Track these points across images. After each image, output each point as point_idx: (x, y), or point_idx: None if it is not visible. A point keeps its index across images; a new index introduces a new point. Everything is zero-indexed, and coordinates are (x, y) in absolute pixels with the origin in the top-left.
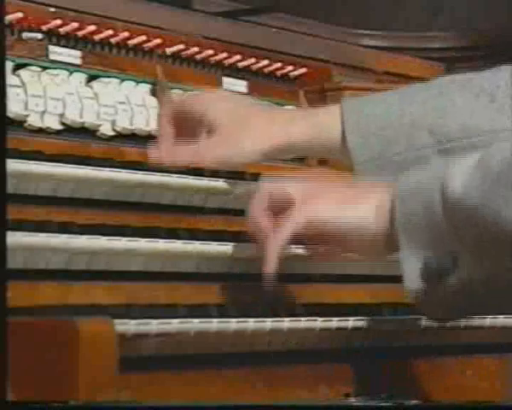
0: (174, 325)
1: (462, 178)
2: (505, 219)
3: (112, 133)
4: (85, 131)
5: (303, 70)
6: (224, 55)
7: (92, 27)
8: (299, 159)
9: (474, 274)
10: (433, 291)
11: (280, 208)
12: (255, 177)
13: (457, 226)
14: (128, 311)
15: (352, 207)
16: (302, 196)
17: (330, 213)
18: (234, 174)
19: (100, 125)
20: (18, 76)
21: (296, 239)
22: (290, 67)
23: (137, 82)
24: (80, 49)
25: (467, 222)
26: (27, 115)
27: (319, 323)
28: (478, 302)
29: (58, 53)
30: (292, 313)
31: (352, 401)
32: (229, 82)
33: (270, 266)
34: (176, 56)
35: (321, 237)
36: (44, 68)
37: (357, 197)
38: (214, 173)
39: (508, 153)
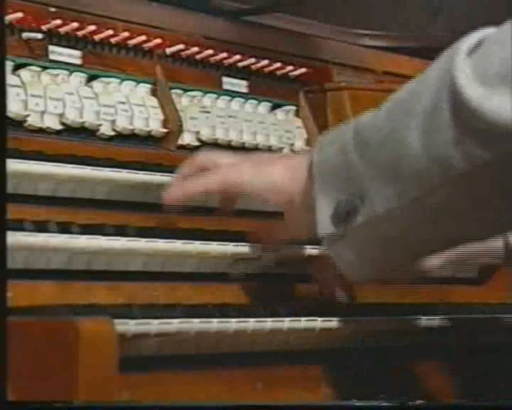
0: (174, 325)
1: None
2: (410, 145)
3: (112, 133)
4: (85, 131)
5: (303, 70)
6: (224, 55)
7: (92, 27)
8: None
9: (379, 210)
10: (344, 236)
11: None
12: None
13: (367, 157)
14: (128, 311)
15: (267, 168)
16: (227, 164)
17: (244, 175)
18: None
19: (100, 125)
20: (18, 76)
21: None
22: (290, 67)
23: (137, 82)
24: (80, 49)
25: (376, 151)
26: (27, 115)
27: (319, 323)
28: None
29: (58, 53)
30: (292, 312)
31: (353, 401)
32: (229, 82)
33: (169, 197)
34: (176, 56)
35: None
36: (44, 68)
37: (272, 161)
38: None
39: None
